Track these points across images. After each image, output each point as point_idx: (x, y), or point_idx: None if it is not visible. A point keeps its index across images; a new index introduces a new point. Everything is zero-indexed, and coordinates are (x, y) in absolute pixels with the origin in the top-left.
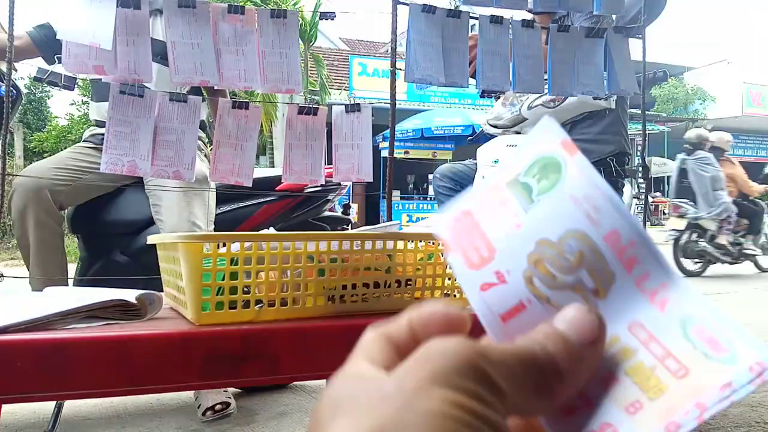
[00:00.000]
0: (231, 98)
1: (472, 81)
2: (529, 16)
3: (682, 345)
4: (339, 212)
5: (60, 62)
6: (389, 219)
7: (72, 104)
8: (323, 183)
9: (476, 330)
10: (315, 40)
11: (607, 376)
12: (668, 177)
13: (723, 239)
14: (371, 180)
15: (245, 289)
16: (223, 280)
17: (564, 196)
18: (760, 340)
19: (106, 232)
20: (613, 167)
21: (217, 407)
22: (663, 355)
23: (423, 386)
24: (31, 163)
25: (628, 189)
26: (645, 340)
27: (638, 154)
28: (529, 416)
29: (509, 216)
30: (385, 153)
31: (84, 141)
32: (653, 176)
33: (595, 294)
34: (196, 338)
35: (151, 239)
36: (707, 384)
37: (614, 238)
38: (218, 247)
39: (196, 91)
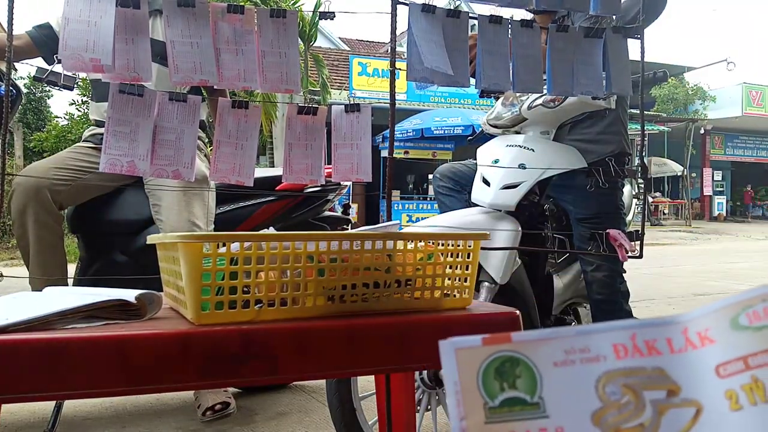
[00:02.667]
0: (231, 98)
1: (472, 81)
2: (528, 16)
3: (750, 339)
4: (339, 212)
5: (60, 62)
6: (389, 219)
7: (72, 104)
8: (323, 183)
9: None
10: (315, 40)
11: None
12: (668, 177)
13: None
14: (371, 180)
15: (245, 289)
16: (222, 280)
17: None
18: None
19: (105, 232)
20: (612, 167)
21: (217, 407)
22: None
23: None
24: (30, 162)
25: (627, 189)
26: (733, 372)
27: (638, 154)
28: None
29: None
30: (384, 153)
31: (84, 141)
32: (653, 176)
33: (671, 395)
34: (196, 338)
35: (150, 239)
36: None
37: (620, 350)
38: (218, 247)
39: (195, 90)
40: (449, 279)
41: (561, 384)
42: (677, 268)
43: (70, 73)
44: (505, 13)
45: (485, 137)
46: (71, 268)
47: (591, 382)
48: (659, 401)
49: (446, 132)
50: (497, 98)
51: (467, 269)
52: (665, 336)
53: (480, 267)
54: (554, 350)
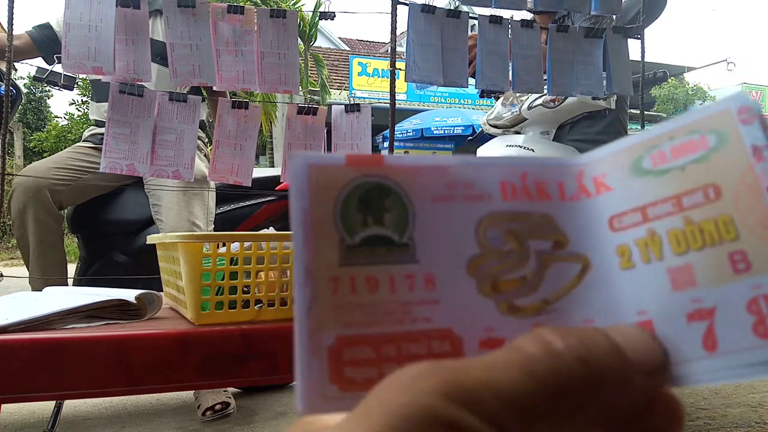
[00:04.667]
0: (231, 98)
1: (471, 81)
2: (528, 17)
3: (652, 185)
4: None
5: (59, 62)
6: None
7: (72, 104)
8: None
9: None
10: (315, 40)
11: None
12: None
13: None
14: None
15: (245, 288)
16: (222, 279)
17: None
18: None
19: (105, 232)
20: None
21: (217, 407)
22: (662, 211)
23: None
24: (30, 162)
25: None
26: (628, 225)
27: None
28: None
29: None
30: (384, 153)
31: (84, 141)
32: None
33: (557, 247)
34: (196, 338)
35: (150, 239)
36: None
37: (508, 189)
38: (218, 247)
39: (195, 90)
40: None
41: (436, 223)
42: None
43: (70, 73)
44: (506, 13)
45: (485, 137)
46: (71, 268)
47: (471, 224)
48: (544, 252)
49: (446, 132)
50: (497, 98)
51: None
52: (557, 179)
53: None
54: (434, 181)
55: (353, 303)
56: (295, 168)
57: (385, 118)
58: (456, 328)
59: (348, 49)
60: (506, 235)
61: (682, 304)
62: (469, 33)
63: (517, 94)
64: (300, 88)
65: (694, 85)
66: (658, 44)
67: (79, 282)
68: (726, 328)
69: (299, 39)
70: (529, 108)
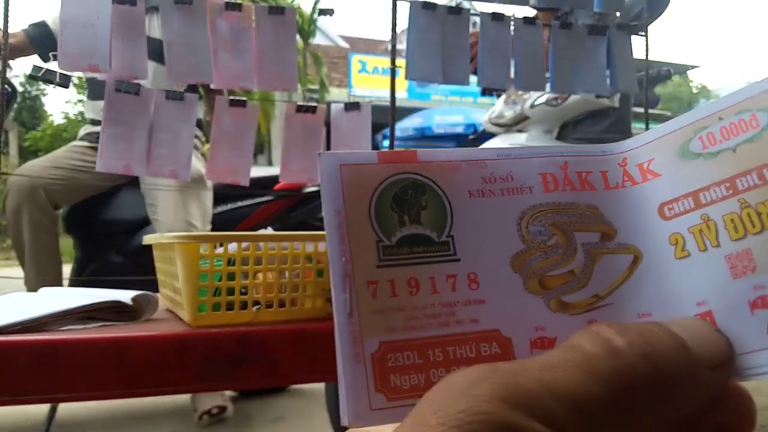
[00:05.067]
0: (228, 96)
1: (473, 78)
2: (531, 14)
3: (703, 169)
4: None
5: (55, 59)
6: None
7: (67, 102)
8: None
9: None
10: (314, 37)
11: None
12: None
13: None
14: None
15: (242, 290)
16: (220, 281)
17: None
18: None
19: (101, 232)
20: None
21: (214, 411)
22: (714, 197)
23: None
24: (26, 161)
25: None
26: (680, 212)
27: None
28: None
29: None
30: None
31: (79, 139)
32: None
33: (605, 238)
34: (193, 340)
35: (146, 239)
36: None
37: (550, 180)
38: (215, 248)
39: (192, 88)
40: None
41: (476, 219)
42: None
43: (66, 71)
44: (508, 10)
45: (486, 136)
46: (66, 268)
47: (513, 219)
48: (592, 245)
49: (447, 130)
50: (499, 96)
51: None
52: (600, 168)
53: None
54: (470, 176)
55: (395, 306)
56: (327, 169)
57: (386, 116)
58: (504, 328)
59: (347, 46)
60: (551, 228)
61: (744, 292)
62: (471, 30)
63: (520, 92)
64: (299, 86)
65: (699, 83)
66: (662, 42)
67: (74, 283)
68: None
69: (298, 36)
70: (532, 106)
